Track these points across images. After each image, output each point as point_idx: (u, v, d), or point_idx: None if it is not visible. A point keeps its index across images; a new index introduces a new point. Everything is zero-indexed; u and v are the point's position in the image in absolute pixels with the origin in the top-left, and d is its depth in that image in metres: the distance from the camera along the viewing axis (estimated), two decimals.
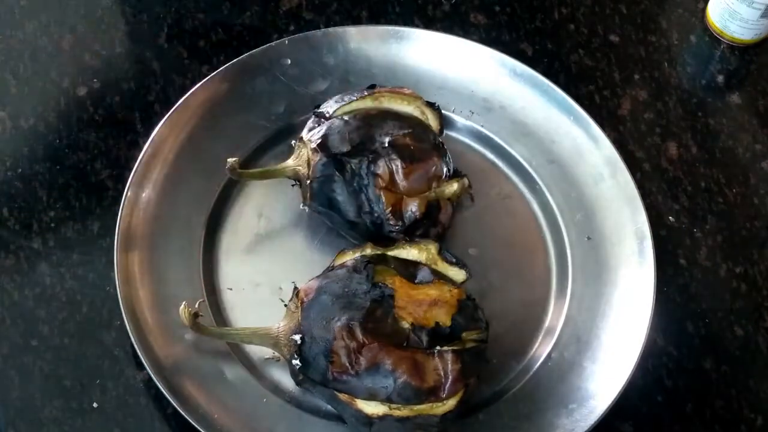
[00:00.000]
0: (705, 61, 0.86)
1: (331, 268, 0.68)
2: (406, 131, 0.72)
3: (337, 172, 0.70)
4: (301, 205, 0.73)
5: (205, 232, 0.74)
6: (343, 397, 0.63)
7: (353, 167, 0.70)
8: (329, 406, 0.66)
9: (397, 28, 0.81)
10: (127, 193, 0.73)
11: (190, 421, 0.65)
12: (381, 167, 0.70)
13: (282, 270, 0.72)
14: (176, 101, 0.76)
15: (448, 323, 0.63)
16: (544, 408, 0.67)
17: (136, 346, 0.67)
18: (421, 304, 0.64)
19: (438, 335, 0.63)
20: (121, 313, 0.68)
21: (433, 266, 0.68)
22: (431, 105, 0.75)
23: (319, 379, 0.63)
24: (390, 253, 0.68)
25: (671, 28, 0.87)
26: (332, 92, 0.77)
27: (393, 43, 0.81)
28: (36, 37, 0.84)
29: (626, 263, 0.72)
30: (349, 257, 0.68)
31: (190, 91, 0.77)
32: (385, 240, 0.69)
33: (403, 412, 0.62)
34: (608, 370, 0.68)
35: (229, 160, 0.70)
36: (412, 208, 0.70)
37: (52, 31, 0.85)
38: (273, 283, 0.72)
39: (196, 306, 0.66)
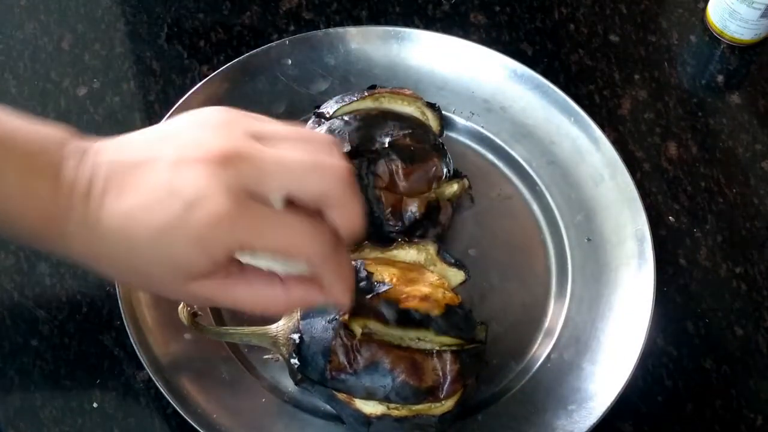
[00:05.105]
0: (705, 61, 0.86)
1: None
2: (406, 132, 0.72)
3: None
4: None
5: None
6: (341, 396, 0.63)
7: (353, 168, 0.70)
8: (328, 406, 0.66)
9: (397, 28, 0.81)
10: None
11: (190, 421, 0.65)
12: (381, 168, 0.70)
13: None
14: (176, 101, 0.76)
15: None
16: (543, 409, 0.67)
17: (135, 346, 0.67)
18: (414, 299, 0.63)
19: (410, 315, 0.62)
20: (121, 313, 0.68)
21: (432, 267, 0.68)
22: (432, 106, 0.75)
23: (318, 378, 0.63)
24: (389, 254, 0.68)
25: (671, 28, 0.87)
26: (333, 93, 0.77)
27: (393, 44, 0.81)
28: (36, 37, 0.84)
29: (626, 264, 0.72)
30: None
31: (190, 91, 0.77)
32: (385, 240, 0.69)
33: (402, 412, 0.62)
34: (608, 371, 0.68)
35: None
36: (412, 208, 0.70)
37: (52, 31, 0.85)
38: None
39: (195, 305, 0.66)
